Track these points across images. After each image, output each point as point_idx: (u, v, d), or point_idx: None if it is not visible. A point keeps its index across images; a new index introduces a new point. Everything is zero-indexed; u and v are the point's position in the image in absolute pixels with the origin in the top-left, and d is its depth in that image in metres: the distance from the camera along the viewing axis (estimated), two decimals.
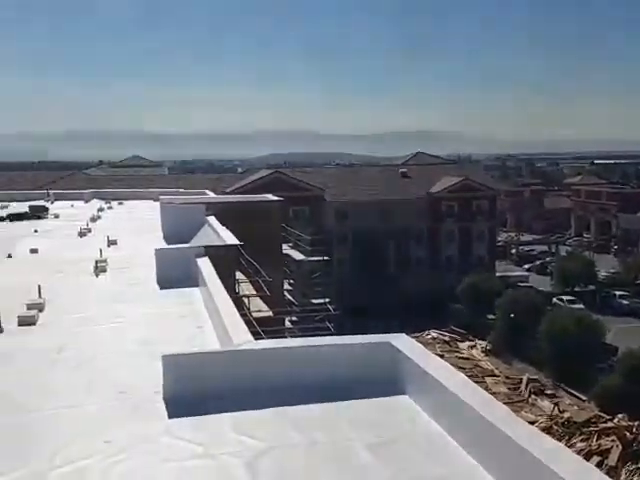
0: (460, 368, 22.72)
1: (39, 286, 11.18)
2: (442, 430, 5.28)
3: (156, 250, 12.90)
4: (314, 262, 34.38)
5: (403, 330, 7.06)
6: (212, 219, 17.12)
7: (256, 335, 7.80)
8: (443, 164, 77.18)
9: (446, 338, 36.07)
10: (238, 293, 13.73)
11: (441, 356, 25.42)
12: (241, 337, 7.29)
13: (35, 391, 6.81)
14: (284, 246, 24.76)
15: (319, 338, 7.13)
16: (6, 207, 26.43)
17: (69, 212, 25.90)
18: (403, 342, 6.36)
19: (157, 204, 21.33)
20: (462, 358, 32.30)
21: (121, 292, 11.79)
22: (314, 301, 28.00)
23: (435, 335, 36.36)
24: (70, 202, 28.31)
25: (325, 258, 35.27)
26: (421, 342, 6.37)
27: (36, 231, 19.97)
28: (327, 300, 25.81)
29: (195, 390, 6.42)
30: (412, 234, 64.68)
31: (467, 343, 36.30)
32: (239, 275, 14.85)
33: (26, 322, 9.55)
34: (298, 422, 5.88)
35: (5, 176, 50.14)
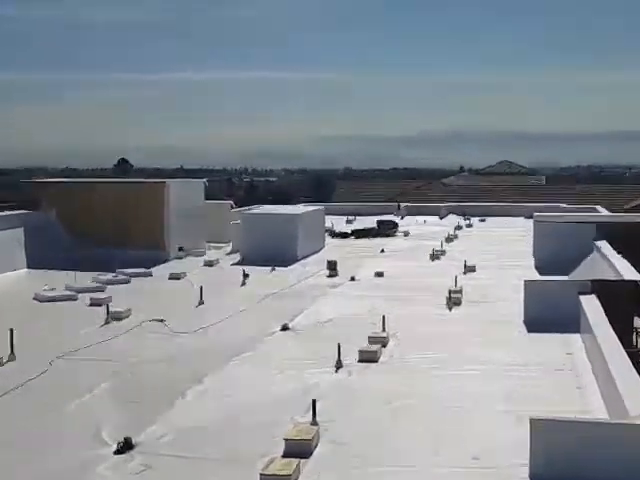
0: None
1: (383, 317, 12.04)
2: None
3: (526, 282, 13.13)
4: None
5: None
6: (604, 244, 16.92)
7: None
8: None
9: None
10: (637, 347, 12.74)
11: None
12: None
13: (374, 441, 7.20)
14: None
15: None
16: (352, 221, 29.03)
17: (421, 229, 27.72)
18: None
19: (529, 222, 21.48)
20: None
21: (479, 331, 12.21)
22: None
23: None
24: (423, 217, 29.76)
25: None
26: None
27: (383, 251, 21.37)
28: None
29: (574, 469, 6.28)
30: None
31: None
32: (638, 322, 13.82)
33: (368, 358, 10.42)
34: None
35: (351, 185, 54.50)
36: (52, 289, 15.14)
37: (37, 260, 18.42)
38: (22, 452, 7.27)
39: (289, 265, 19.35)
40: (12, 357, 10.38)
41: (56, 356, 10.45)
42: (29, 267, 18.44)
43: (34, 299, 15.09)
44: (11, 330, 10.64)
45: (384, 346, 11.06)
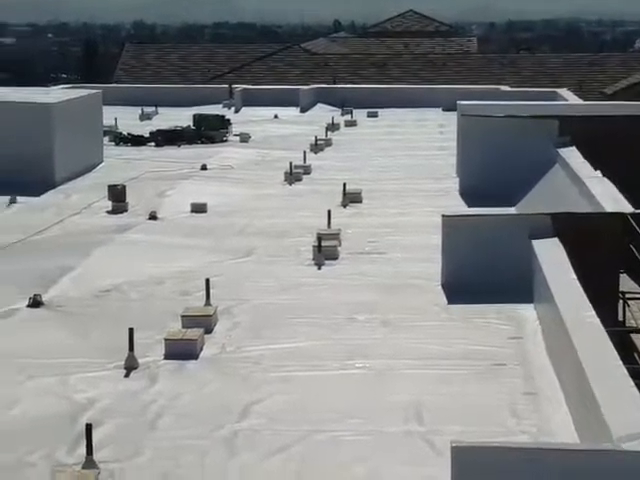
0: None
1: (207, 281, 10.51)
2: None
3: (444, 218, 11.78)
4: None
5: None
6: (571, 152, 15.56)
7: None
8: None
9: None
10: (624, 322, 12.42)
11: None
12: (633, 424, 6.04)
13: None
14: None
15: None
16: (151, 117, 26.09)
17: (270, 131, 24.69)
18: None
19: (451, 117, 20.00)
20: None
21: (367, 303, 10.86)
22: None
23: None
24: (272, 110, 27.52)
25: None
26: None
27: (205, 168, 19.29)
28: None
29: None
30: None
31: None
32: (627, 282, 13.45)
33: (181, 351, 8.93)
34: None
35: (146, 53, 46.26)
36: None
37: None
38: None
39: (41, 194, 16.74)
40: None
41: None
42: None
43: None
44: None
45: (209, 331, 9.72)
